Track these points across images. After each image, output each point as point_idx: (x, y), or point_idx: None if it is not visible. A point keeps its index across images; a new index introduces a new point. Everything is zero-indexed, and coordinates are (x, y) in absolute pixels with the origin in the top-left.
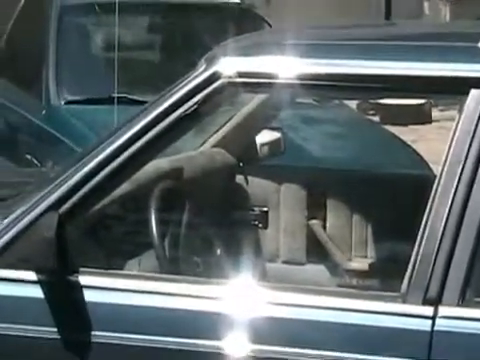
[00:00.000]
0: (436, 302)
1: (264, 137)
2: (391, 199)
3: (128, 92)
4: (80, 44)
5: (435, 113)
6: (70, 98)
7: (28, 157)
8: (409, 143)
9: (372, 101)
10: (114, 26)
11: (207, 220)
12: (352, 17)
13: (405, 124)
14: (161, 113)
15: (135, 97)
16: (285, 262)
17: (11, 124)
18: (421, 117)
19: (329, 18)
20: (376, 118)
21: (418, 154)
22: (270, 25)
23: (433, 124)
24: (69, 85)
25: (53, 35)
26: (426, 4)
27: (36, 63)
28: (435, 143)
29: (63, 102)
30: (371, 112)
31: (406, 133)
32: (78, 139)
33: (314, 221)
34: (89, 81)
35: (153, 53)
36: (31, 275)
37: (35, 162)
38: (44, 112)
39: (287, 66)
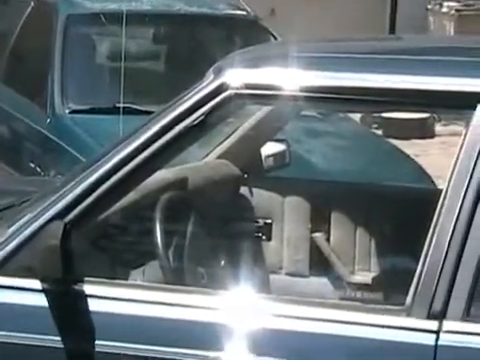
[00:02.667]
0: (441, 316)
1: (269, 149)
2: (394, 213)
3: (133, 102)
4: (86, 54)
5: (438, 128)
6: (75, 107)
7: (32, 165)
8: (412, 157)
9: (375, 115)
10: (120, 36)
11: (211, 231)
12: (356, 30)
13: (408, 138)
14: (168, 124)
15: (140, 107)
16: (288, 274)
17: (15, 132)
18: (424, 131)
19: (333, 31)
20: (379, 132)
21: (421, 168)
22: (275, 37)
23: (436, 139)
24: (74, 94)
25: (59, 44)
26: (431, 19)
27: (41, 72)
28: (438, 157)
29: (68, 111)
30: (374, 126)
31: (409, 147)
32: (82, 148)
33: (318, 234)
34: (94, 91)
35: (159, 64)
36: (35, 283)
37: (39, 171)
38: (49, 121)
39: (293, 78)
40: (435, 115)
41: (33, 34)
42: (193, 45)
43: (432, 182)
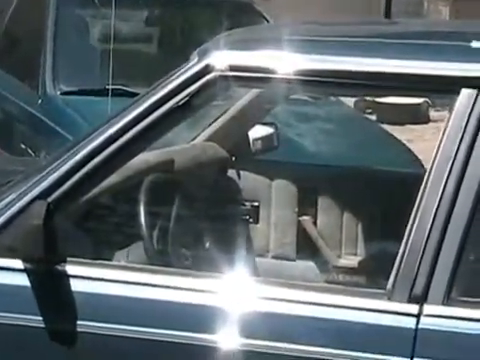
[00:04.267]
0: (421, 300)
1: (257, 132)
2: (382, 197)
3: (125, 84)
4: (77, 35)
5: (432, 113)
6: (66, 89)
7: (23, 147)
8: (405, 142)
9: (369, 99)
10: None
11: (197, 213)
12: (352, 15)
13: (402, 123)
14: (152, 105)
15: (130, 89)
16: (275, 257)
17: (6, 113)
18: (418, 117)
19: (329, 16)
20: (373, 117)
21: (412, 152)
22: (268, 21)
23: (430, 124)
24: (65, 76)
25: (51, 25)
26: (426, 4)
27: (33, 53)
28: (431, 143)
29: (59, 92)
30: (368, 111)
31: (403, 132)
32: (73, 130)
33: (305, 217)
34: (85, 72)
35: (151, 46)
36: (18, 263)
37: (29, 152)
38: (40, 102)
39: (279, 61)
40: (428, 100)
41: (25, 15)
42: (186, 28)
43: (422, 166)
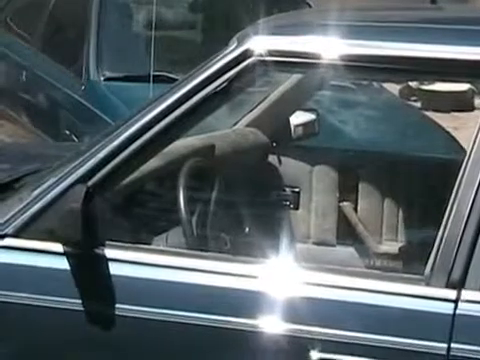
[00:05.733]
0: (459, 285)
1: (298, 118)
2: (423, 183)
3: (169, 71)
4: (122, 21)
5: (477, 101)
6: (110, 75)
7: (67, 132)
8: (450, 130)
9: (414, 87)
10: (156, 4)
11: (237, 199)
12: (397, 1)
13: (447, 111)
14: (191, 90)
15: (174, 76)
16: (315, 243)
17: (51, 99)
18: (463, 104)
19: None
20: (417, 104)
21: (454, 140)
22: (311, 7)
23: (475, 112)
24: (109, 62)
25: (95, 11)
26: None
27: (77, 39)
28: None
29: (102, 78)
30: (413, 98)
31: (448, 120)
32: (116, 116)
33: (345, 203)
34: (129, 58)
35: (194, 32)
36: (57, 247)
37: (73, 138)
38: (83, 88)
39: (319, 46)
40: (473, 87)
41: (70, 1)
42: (229, 13)
43: (464, 154)
